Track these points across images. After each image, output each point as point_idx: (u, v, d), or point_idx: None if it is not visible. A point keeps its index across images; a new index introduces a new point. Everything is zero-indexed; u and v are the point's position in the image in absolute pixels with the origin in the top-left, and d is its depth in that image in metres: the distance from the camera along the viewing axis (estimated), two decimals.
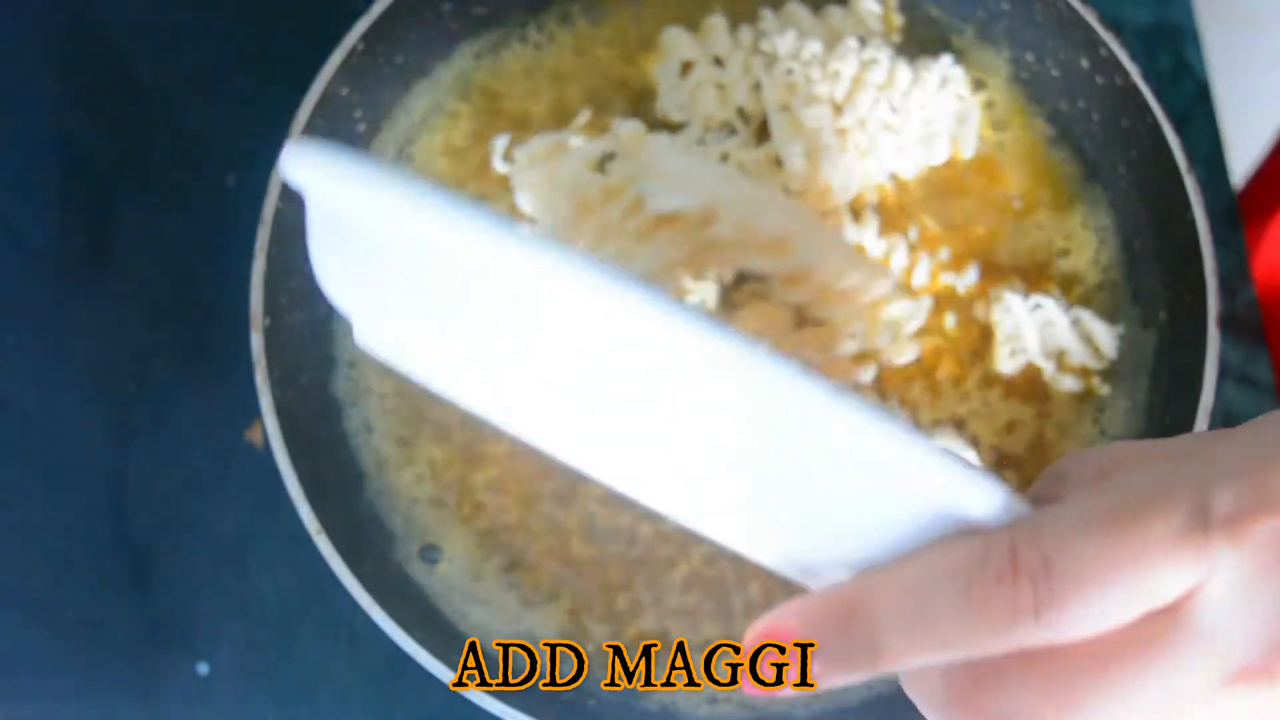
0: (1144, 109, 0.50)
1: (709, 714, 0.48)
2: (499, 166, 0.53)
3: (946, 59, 0.53)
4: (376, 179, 0.26)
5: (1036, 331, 0.51)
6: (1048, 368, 0.51)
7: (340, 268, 0.30)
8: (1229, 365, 0.58)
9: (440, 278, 0.27)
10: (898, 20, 0.55)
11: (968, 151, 0.53)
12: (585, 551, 0.50)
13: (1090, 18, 0.50)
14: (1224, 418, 0.57)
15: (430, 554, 0.50)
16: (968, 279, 0.52)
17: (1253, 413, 0.58)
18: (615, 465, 0.29)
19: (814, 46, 0.52)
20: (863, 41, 0.53)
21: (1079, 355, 0.51)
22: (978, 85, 0.55)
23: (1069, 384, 0.51)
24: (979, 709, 0.25)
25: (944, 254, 0.52)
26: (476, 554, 0.50)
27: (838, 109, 0.52)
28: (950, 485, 0.25)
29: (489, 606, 0.49)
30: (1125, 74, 0.50)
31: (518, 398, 0.29)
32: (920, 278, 0.52)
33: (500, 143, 0.53)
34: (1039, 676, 0.25)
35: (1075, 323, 0.51)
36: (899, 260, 0.52)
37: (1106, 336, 0.51)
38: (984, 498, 0.26)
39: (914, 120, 0.52)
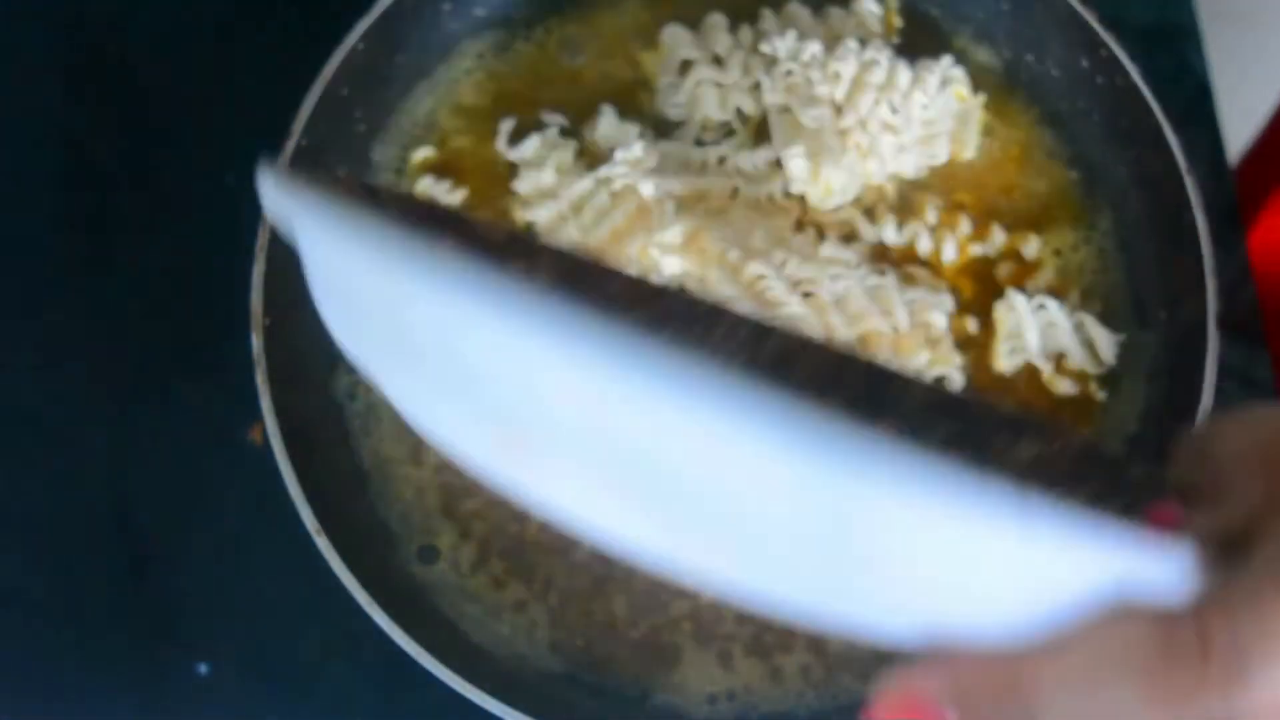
0: (1144, 109, 0.50)
1: (709, 714, 0.48)
2: (502, 148, 0.53)
3: (947, 60, 0.53)
4: (342, 219, 0.23)
5: (1038, 331, 0.51)
6: (1046, 368, 0.51)
7: (335, 305, 0.27)
8: (1229, 365, 0.58)
9: (427, 332, 0.24)
10: (898, 21, 0.55)
11: (969, 151, 0.53)
12: (583, 550, 0.50)
13: (1090, 18, 0.50)
14: None
15: (429, 554, 0.50)
16: (995, 241, 0.52)
17: None
18: (639, 537, 0.25)
19: (814, 48, 0.52)
20: (863, 43, 0.53)
21: (1078, 359, 0.51)
22: (977, 86, 0.55)
23: (1065, 387, 0.51)
24: None
25: (965, 226, 0.53)
26: (475, 554, 0.50)
27: (838, 110, 0.52)
28: (1118, 559, 0.22)
29: (488, 606, 0.49)
30: (1125, 74, 0.50)
31: (522, 463, 0.25)
32: (949, 254, 0.52)
33: (505, 126, 0.53)
34: None
35: (1078, 326, 0.51)
36: (923, 245, 0.52)
37: (1107, 343, 0.51)
38: (1158, 568, 0.22)
39: (915, 121, 0.52)
